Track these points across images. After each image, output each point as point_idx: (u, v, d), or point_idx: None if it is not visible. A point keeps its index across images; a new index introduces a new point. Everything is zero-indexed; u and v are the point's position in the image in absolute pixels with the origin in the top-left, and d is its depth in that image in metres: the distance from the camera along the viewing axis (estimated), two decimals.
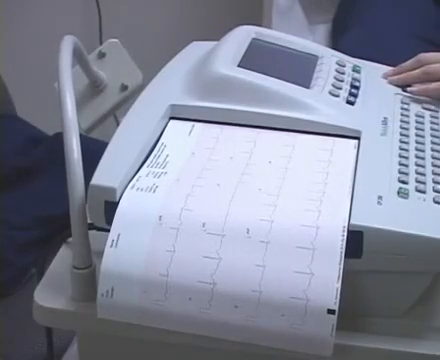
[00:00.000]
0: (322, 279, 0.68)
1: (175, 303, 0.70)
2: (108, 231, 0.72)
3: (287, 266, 0.69)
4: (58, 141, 0.79)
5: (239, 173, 0.77)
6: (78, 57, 0.92)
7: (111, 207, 0.73)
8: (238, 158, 0.79)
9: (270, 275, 0.69)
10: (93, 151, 0.80)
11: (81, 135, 0.78)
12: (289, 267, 0.69)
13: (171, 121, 0.85)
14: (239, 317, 0.69)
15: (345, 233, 0.70)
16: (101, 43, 1.11)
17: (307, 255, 0.69)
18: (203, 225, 0.71)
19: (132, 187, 0.74)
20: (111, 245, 0.71)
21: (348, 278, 0.69)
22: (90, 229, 0.76)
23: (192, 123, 0.85)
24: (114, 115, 1.14)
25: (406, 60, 0.99)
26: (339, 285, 0.68)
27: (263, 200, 0.73)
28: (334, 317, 0.68)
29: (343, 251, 0.69)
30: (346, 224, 0.70)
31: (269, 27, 1.46)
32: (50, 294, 0.77)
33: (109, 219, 0.73)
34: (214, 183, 0.75)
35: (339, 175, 0.77)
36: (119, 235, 0.71)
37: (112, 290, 0.71)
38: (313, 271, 0.68)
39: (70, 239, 0.77)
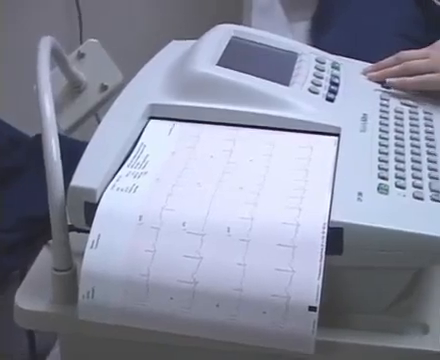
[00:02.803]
0: (303, 276, 0.68)
1: (156, 303, 0.70)
2: (88, 232, 0.72)
3: (268, 264, 0.69)
4: (38, 143, 0.78)
5: (219, 172, 0.77)
6: (57, 58, 0.91)
7: (91, 208, 0.73)
8: (218, 157, 0.79)
9: (251, 273, 0.69)
10: (73, 152, 0.80)
11: (61, 136, 0.77)
12: (270, 265, 0.69)
13: (151, 121, 0.85)
14: (220, 316, 0.69)
15: (325, 230, 0.70)
16: (82, 44, 1.11)
17: (288, 253, 0.69)
18: (183, 224, 0.71)
19: (112, 187, 0.74)
20: (91, 246, 0.71)
21: (329, 275, 0.69)
22: (70, 231, 0.76)
23: (172, 122, 0.84)
24: (96, 115, 1.13)
25: (386, 57, 0.99)
26: (320, 282, 0.68)
27: (244, 198, 0.73)
28: (315, 314, 0.68)
29: (323, 248, 0.69)
30: (326, 221, 0.70)
31: (249, 25, 1.46)
32: (31, 297, 0.77)
33: (89, 220, 0.72)
34: (194, 182, 0.75)
35: (319, 172, 0.77)
36: (99, 236, 0.71)
37: (93, 291, 0.70)
38: (294, 268, 0.69)
39: (51, 241, 0.76)
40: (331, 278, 0.70)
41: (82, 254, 0.71)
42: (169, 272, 0.70)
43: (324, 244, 0.69)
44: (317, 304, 0.68)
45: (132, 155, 0.80)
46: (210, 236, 0.70)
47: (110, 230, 0.71)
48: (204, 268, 0.69)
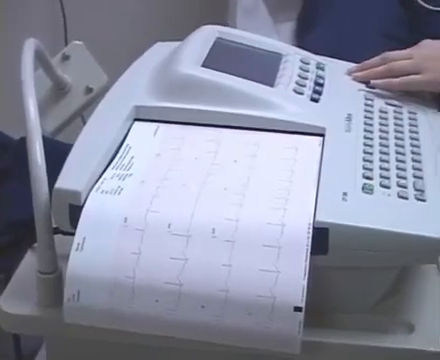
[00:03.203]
0: (288, 277, 0.68)
1: (142, 305, 0.70)
2: (74, 235, 0.72)
3: (253, 265, 0.69)
4: (23, 145, 0.78)
5: (204, 173, 0.77)
6: (41, 60, 0.91)
7: (76, 210, 0.73)
8: (203, 158, 0.79)
9: (236, 274, 0.69)
10: (58, 154, 0.80)
11: (46, 138, 0.77)
12: (255, 266, 0.69)
13: (136, 122, 0.85)
14: (206, 317, 0.69)
15: (310, 230, 0.70)
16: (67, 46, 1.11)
17: (273, 253, 0.69)
18: (169, 226, 0.71)
19: (97, 190, 0.74)
20: (76, 249, 0.71)
21: (315, 275, 0.69)
22: (55, 233, 0.75)
23: (157, 124, 0.84)
24: (81, 117, 1.13)
25: (371, 58, 0.99)
26: (305, 282, 0.68)
27: (229, 199, 0.73)
28: (301, 314, 0.68)
29: (309, 248, 0.69)
30: (311, 221, 0.71)
31: (234, 26, 1.46)
32: (16, 300, 0.76)
33: (74, 223, 0.72)
34: (179, 184, 0.75)
35: (304, 172, 0.77)
36: (84, 238, 0.71)
37: (78, 294, 0.70)
38: (279, 269, 0.69)
39: (36, 244, 0.76)
40: (316, 278, 0.70)
41: (67, 257, 0.71)
42: (155, 274, 0.70)
43: (309, 244, 0.69)
44: (303, 304, 0.68)
45: (117, 157, 0.80)
46: (195, 237, 0.70)
47: (95, 233, 0.71)
48: (189, 269, 0.69)
